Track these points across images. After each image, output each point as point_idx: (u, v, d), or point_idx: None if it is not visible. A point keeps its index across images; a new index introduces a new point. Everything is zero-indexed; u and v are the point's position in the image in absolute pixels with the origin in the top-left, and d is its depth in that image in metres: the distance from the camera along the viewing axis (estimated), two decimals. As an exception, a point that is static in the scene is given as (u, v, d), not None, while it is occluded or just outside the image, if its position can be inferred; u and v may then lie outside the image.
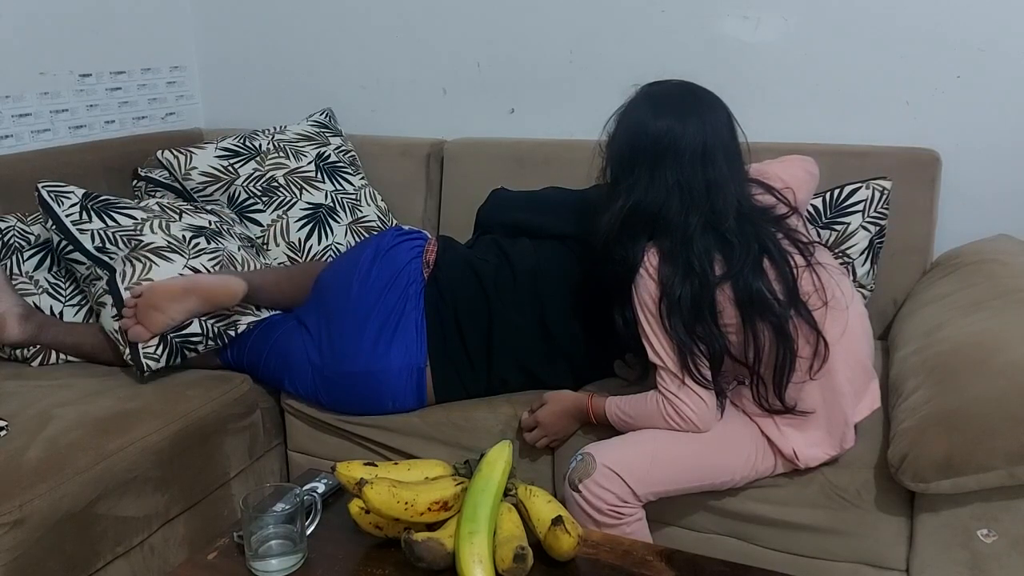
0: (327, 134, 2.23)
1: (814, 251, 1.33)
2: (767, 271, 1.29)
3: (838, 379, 1.32)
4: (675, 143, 1.30)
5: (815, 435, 1.35)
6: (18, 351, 1.76)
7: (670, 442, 1.34)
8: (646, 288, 1.31)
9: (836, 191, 1.73)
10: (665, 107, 1.33)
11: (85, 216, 1.69)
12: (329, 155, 2.15)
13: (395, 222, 2.18)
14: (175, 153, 2.04)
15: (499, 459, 1.18)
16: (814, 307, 1.29)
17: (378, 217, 2.13)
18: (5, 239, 1.82)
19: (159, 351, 1.62)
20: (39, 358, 1.76)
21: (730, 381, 1.40)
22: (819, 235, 1.70)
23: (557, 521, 1.08)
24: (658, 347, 1.31)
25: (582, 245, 1.58)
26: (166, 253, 1.68)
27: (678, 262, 1.29)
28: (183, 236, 1.73)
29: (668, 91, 1.36)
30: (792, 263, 1.30)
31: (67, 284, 1.85)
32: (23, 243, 1.84)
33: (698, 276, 1.28)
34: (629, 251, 1.32)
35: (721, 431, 1.35)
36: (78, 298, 1.84)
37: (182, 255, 1.69)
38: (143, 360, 1.61)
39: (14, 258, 1.82)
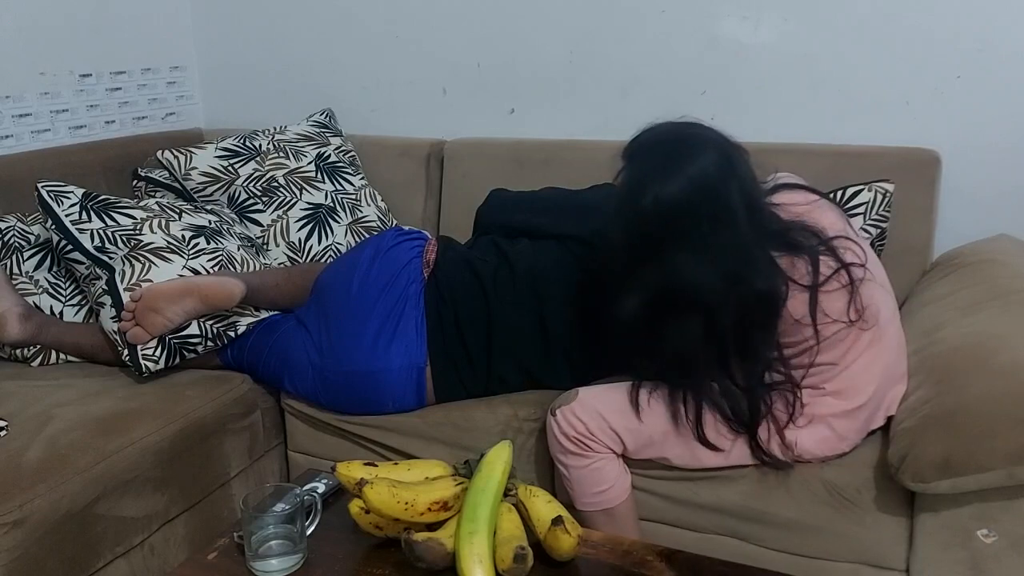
0: (327, 134, 2.23)
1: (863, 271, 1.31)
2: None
3: (864, 400, 1.33)
4: (677, 224, 1.24)
5: (823, 433, 1.35)
6: (18, 351, 1.76)
7: (658, 412, 1.36)
8: None
9: (838, 193, 1.73)
10: (650, 180, 1.23)
11: (85, 216, 1.69)
12: (329, 155, 2.15)
13: (395, 222, 2.18)
14: (175, 153, 2.04)
15: (499, 459, 1.18)
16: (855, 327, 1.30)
17: (378, 217, 2.13)
18: (5, 239, 1.82)
19: (157, 352, 1.62)
20: (39, 358, 1.76)
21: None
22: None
23: (557, 521, 1.08)
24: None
25: (581, 245, 1.58)
26: (165, 253, 1.68)
27: None
28: (182, 236, 1.73)
29: (649, 153, 1.27)
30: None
31: (67, 284, 1.85)
32: (23, 243, 1.84)
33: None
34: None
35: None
36: (78, 298, 1.84)
37: (181, 255, 1.69)
38: (142, 362, 1.61)
39: (14, 258, 1.82)
